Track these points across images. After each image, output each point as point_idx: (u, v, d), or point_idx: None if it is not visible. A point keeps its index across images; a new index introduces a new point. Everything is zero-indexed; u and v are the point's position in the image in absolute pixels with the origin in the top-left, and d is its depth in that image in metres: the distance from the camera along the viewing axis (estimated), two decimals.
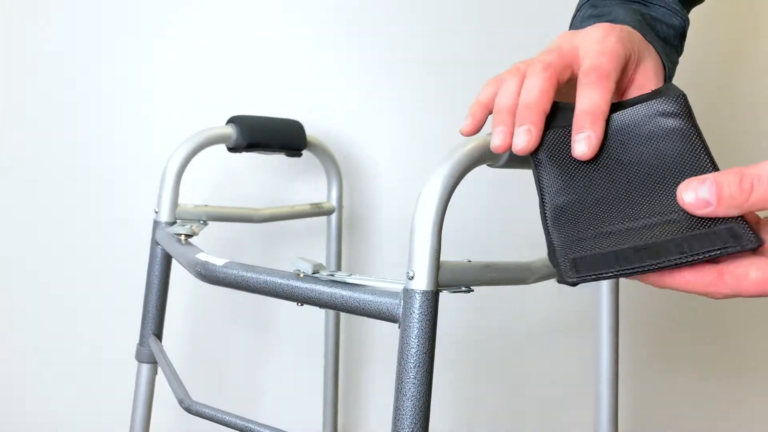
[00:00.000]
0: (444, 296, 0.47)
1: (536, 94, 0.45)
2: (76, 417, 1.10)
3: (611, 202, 0.42)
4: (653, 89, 0.46)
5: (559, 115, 0.46)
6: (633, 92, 0.50)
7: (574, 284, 0.39)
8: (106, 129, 1.06)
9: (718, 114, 1.19)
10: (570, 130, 0.44)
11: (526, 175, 1.05)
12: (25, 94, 1.04)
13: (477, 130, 0.50)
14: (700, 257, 0.36)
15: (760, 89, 1.20)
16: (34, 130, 1.05)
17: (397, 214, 1.14)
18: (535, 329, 1.20)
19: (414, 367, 0.45)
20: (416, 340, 0.45)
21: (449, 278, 0.47)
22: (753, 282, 0.36)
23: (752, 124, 1.20)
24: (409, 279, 0.46)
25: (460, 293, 0.49)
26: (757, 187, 0.35)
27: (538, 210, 0.45)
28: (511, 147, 0.45)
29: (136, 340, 0.82)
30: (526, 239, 1.16)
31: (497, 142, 0.45)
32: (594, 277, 0.39)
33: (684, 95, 0.43)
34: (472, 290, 0.49)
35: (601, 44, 0.47)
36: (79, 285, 1.08)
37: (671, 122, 0.42)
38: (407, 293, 0.46)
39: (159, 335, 0.82)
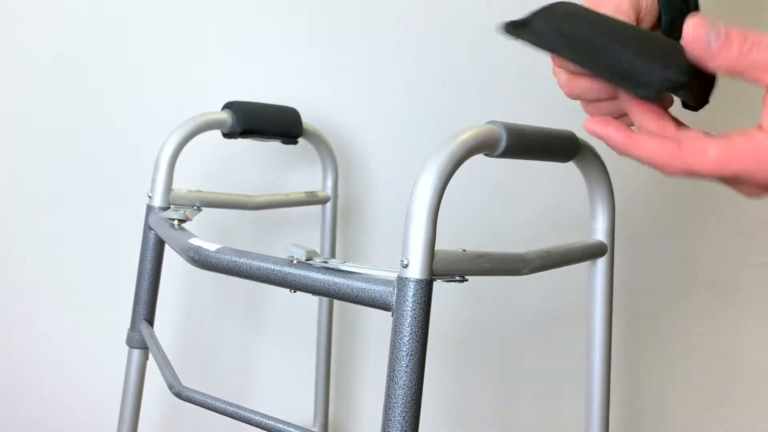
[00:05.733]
0: (438, 286, 0.47)
1: None
2: (66, 401, 1.10)
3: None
4: None
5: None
6: None
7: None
8: (102, 112, 1.05)
9: (720, 114, 1.18)
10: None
11: (524, 166, 1.05)
12: (18, 80, 1.03)
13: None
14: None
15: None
16: (27, 115, 1.04)
17: (393, 204, 1.13)
18: (528, 320, 1.20)
19: (406, 355, 0.45)
20: (409, 329, 0.45)
21: (444, 267, 0.47)
22: (710, 159, 0.37)
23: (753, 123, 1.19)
24: (404, 267, 0.45)
25: (454, 282, 0.49)
26: (757, 50, 0.37)
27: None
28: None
29: (128, 325, 0.82)
30: (522, 230, 1.17)
31: None
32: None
33: None
34: (467, 280, 0.49)
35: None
36: (70, 269, 1.08)
37: None
38: (401, 281, 0.45)
39: (151, 321, 0.81)
